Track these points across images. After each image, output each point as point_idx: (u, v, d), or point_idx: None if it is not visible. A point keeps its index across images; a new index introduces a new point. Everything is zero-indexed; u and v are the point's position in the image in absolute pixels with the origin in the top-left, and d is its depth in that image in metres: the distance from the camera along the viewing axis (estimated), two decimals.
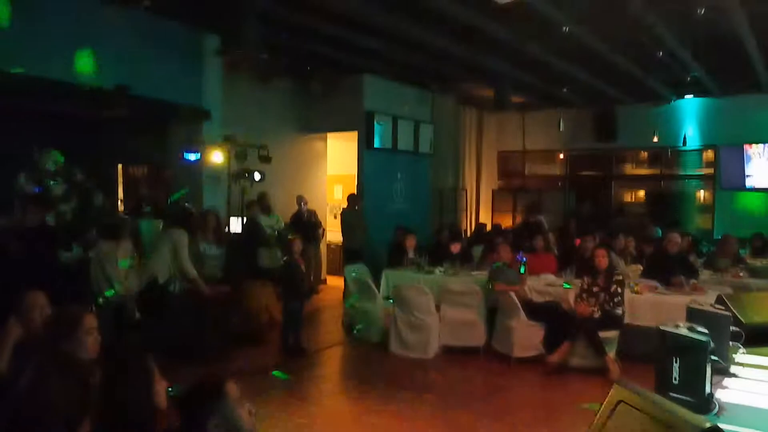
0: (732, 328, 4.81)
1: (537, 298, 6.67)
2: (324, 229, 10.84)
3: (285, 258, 6.94)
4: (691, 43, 8.74)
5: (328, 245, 11.60)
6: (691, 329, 3.95)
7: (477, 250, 9.15)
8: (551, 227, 10.75)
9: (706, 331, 3.99)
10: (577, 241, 8.64)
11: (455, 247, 8.33)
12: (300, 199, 10.01)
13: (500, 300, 6.51)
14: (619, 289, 6.00)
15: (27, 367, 2.92)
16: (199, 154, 8.29)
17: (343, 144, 11.59)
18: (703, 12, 6.87)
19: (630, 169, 13.78)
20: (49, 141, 6.59)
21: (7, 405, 2.75)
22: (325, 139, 11.64)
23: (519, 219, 13.43)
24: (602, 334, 5.79)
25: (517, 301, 6.26)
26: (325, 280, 11.09)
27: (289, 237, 7.36)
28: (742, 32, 7.74)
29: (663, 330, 3.99)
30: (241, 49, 7.54)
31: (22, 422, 2.58)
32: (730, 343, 4.70)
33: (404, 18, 7.70)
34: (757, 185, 11.36)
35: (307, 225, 9.58)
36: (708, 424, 2.34)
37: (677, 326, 4.01)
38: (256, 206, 8.86)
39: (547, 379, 5.84)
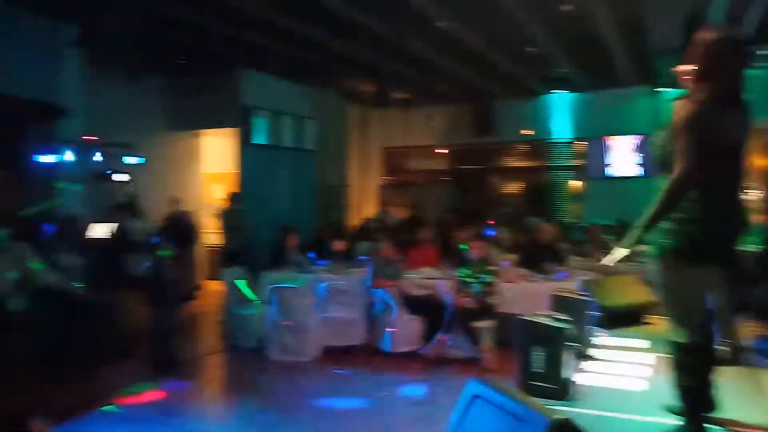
0: (593, 312, 5.06)
1: (416, 292, 6.69)
2: (200, 231, 10.36)
3: (153, 263, 6.49)
4: (560, 40, 9.16)
5: (207, 248, 11.09)
6: (550, 317, 4.09)
7: (362, 246, 9.07)
8: (432, 220, 10.90)
9: (565, 318, 4.15)
10: (458, 234, 8.81)
11: (338, 245, 8.20)
12: (173, 200, 9.48)
13: (379, 296, 6.46)
14: (493, 280, 6.12)
15: None
16: (57, 155, 7.60)
17: (222, 141, 11.13)
18: (568, 9, 7.17)
19: (508, 162, 14.30)
20: None
21: None
22: (199, 137, 11.13)
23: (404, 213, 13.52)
24: (477, 324, 5.87)
25: (395, 296, 6.24)
26: (200, 285, 10.58)
27: (159, 240, 6.92)
28: (605, 30, 8.17)
29: (523, 319, 4.10)
30: (102, 41, 7.00)
31: None
32: (592, 327, 4.96)
33: (282, 11, 7.47)
34: (616, 174, 12.15)
35: (180, 227, 9.08)
36: (556, 416, 2.36)
37: (538, 315, 4.13)
38: (123, 210, 8.27)
39: (425, 372, 5.84)
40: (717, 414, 3.40)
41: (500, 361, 5.65)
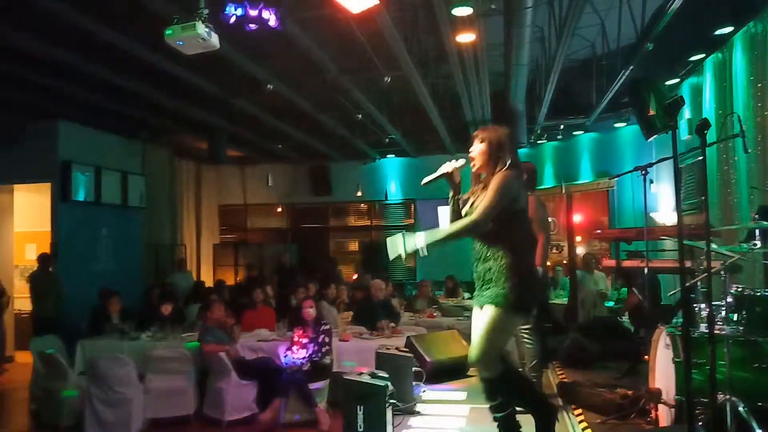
0: (415, 368, 5.30)
1: (249, 355, 6.53)
2: (10, 297, 9.31)
3: None
4: (386, 108, 9.78)
5: (18, 314, 9.96)
6: (372, 375, 4.23)
7: (194, 309, 8.69)
8: (271, 280, 10.79)
9: (386, 375, 4.31)
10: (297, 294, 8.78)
11: (166, 308, 7.78)
12: None
13: (210, 362, 6.21)
14: (327, 339, 6.16)
15: None
16: None
17: (36, 197, 10.20)
18: (389, 80, 7.70)
19: (345, 221, 14.71)
20: None
21: None
22: (12, 192, 10.13)
23: (242, 274, 13.26)
24: (312, 386, 5.85)
25: (227, 361, 6.04)
26: (12, 357, 9.45)
27: None
28: (425, 100, 8.87)
29: (346, 379, 4.21)
30: None
31: None
32: (414, 382, 5.18)
33: (103, 63, 7.21)
34: None
35: None
36: None
37: (360, 374, 4.25)
38: None
39: None
40: None
41: (334, 422, 5.65)
